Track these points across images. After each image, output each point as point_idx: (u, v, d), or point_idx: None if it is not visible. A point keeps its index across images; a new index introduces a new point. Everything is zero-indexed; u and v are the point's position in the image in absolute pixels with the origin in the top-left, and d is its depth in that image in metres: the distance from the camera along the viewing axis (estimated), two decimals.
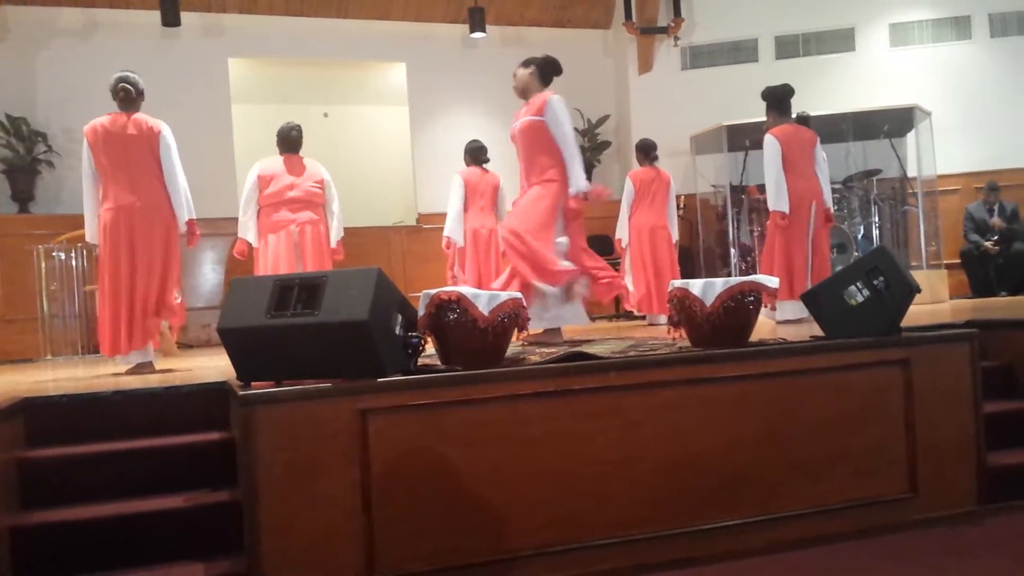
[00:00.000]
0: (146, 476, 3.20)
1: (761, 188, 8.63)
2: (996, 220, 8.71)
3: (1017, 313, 5.15)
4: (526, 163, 4.96)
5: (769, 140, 6.02)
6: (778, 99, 6.17)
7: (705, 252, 9.51)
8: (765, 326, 5.25)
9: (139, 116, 4.76)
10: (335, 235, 6.15)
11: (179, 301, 4.78)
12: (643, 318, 7.68)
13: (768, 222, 6.24)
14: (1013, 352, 4.13)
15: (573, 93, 9.90)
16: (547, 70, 5.01)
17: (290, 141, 6.13)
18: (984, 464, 3.48)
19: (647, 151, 7.37)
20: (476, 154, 7.05)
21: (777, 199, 5.94)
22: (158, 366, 4.78)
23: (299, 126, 6.21)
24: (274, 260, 5.88)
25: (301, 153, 6.21)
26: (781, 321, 5.89)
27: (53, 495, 3.10)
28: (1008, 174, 9.14)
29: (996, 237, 8.70)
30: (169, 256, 4.73)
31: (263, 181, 6.01)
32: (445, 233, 6.88)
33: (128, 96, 4.76)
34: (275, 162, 6.11)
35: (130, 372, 4.64)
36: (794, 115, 6.43)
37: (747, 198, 8.78)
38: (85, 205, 4.79)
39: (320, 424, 2.76)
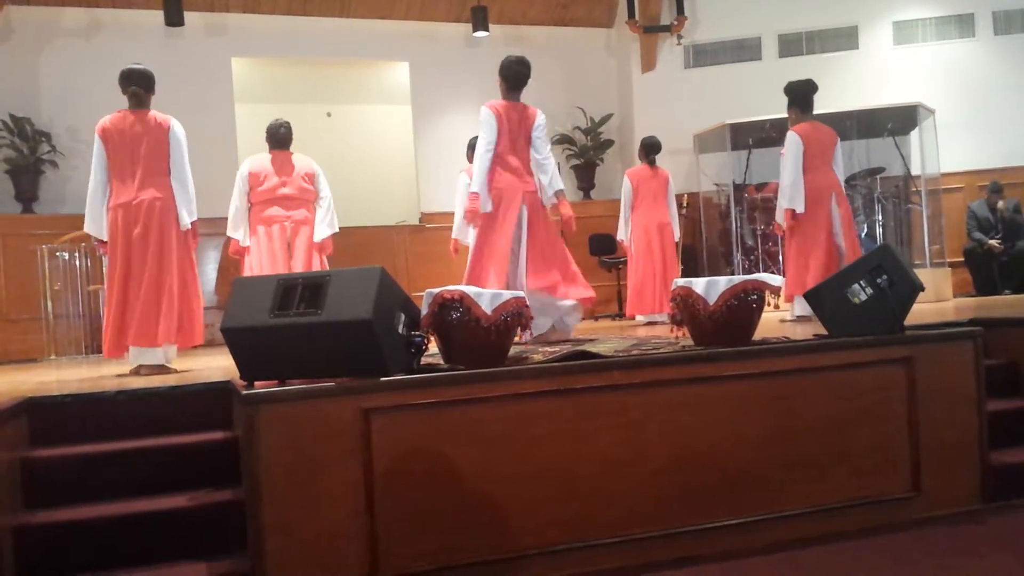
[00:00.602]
0: (149, 476, 3.20)
1: (759, 188, 8.65)
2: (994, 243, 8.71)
3: (1021, 311, 5.14)
4: None
5: (792, 137, 5.97)
6: (801, 95, 6.10)
7: (708, 251, 9.50)
8: (768, 324, 5.25)
9: (149, 113, 4.73)
10: (327, 229, 6.08)
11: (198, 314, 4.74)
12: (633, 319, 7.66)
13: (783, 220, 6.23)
14: (1017, 350, 4.12)
15: (576, 92, 9.99)
16: (508, 75, 5.05)
17: (279, 138, 6.09)
18: (987, 462, 3.48)
19: (648, 150, 7.35)
20: None
21: (792, 197, 5.91)
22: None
23: (288, 123, 6.17)
24: (268, 254, 5.84)
25: (302, 151, 6.20)
26: (796, 317, 5.90)
27: (56, 495, 3.10)
28: (1012, 172, 9.12)
29: (1000, 236, 8.68)
30: (175, 255, 4.64)
31: (254, 178, 5.98)
32: (453, 235, 6.66)
33: (137, 96, 4.74)
34: (264, 159, 6.07)
35: (133, 373, 4.63)
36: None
37: (746, 198, 8.78)
38: (90, 198, 4.68)
39: (323, 423, 2.76)
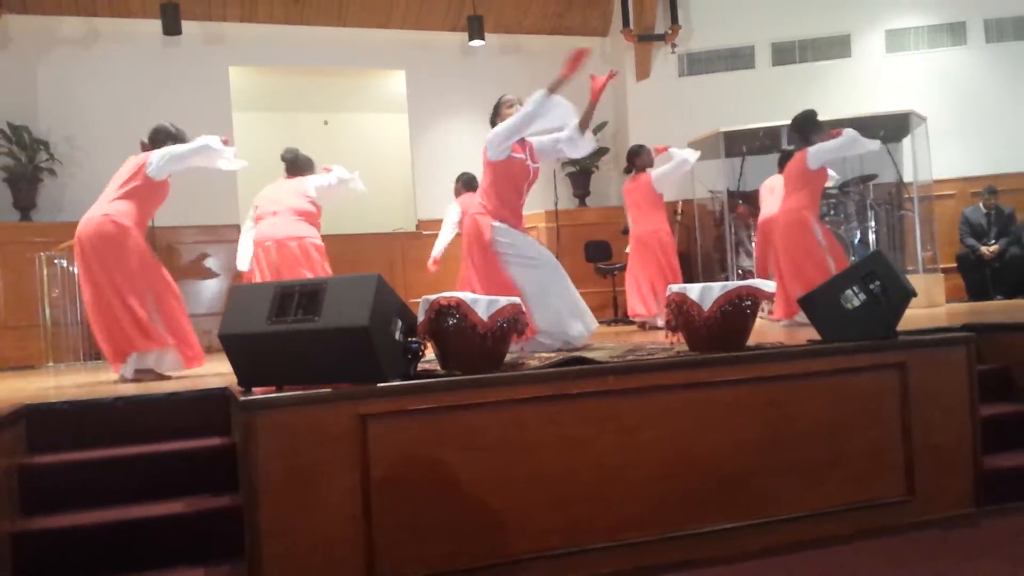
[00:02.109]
0: (147, 482, 3.22)
1: (744, 200, 8.74)
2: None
3: (1013, 316, 5.17)
4: None
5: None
6: (798, 126, 6.30)
7: (703, 257, 9.53)
8: (763, 330, 5.27)
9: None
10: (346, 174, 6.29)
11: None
12: (632, 322, 7.72)
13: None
14: (1009, 355, 4.15)
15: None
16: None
17: (297, 164, 6.29)
18: (980, 467, 3.50)
19: (628, 158, 7.43)
20: (470, 183, 7.16)
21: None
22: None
23: (294, 149, 6.38)
24: (277, 266, 5.90)
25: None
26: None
27: (55, 501, 3.12)
28: (1003, 179, 9.17)
29: (994, 243, 8.73)
30: (117, 274, 4.53)
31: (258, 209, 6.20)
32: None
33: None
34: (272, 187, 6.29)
35: (122, 380, 4.61)
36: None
37: (736, 216, 8.82)
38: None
39: (320, 429, 2.77)
